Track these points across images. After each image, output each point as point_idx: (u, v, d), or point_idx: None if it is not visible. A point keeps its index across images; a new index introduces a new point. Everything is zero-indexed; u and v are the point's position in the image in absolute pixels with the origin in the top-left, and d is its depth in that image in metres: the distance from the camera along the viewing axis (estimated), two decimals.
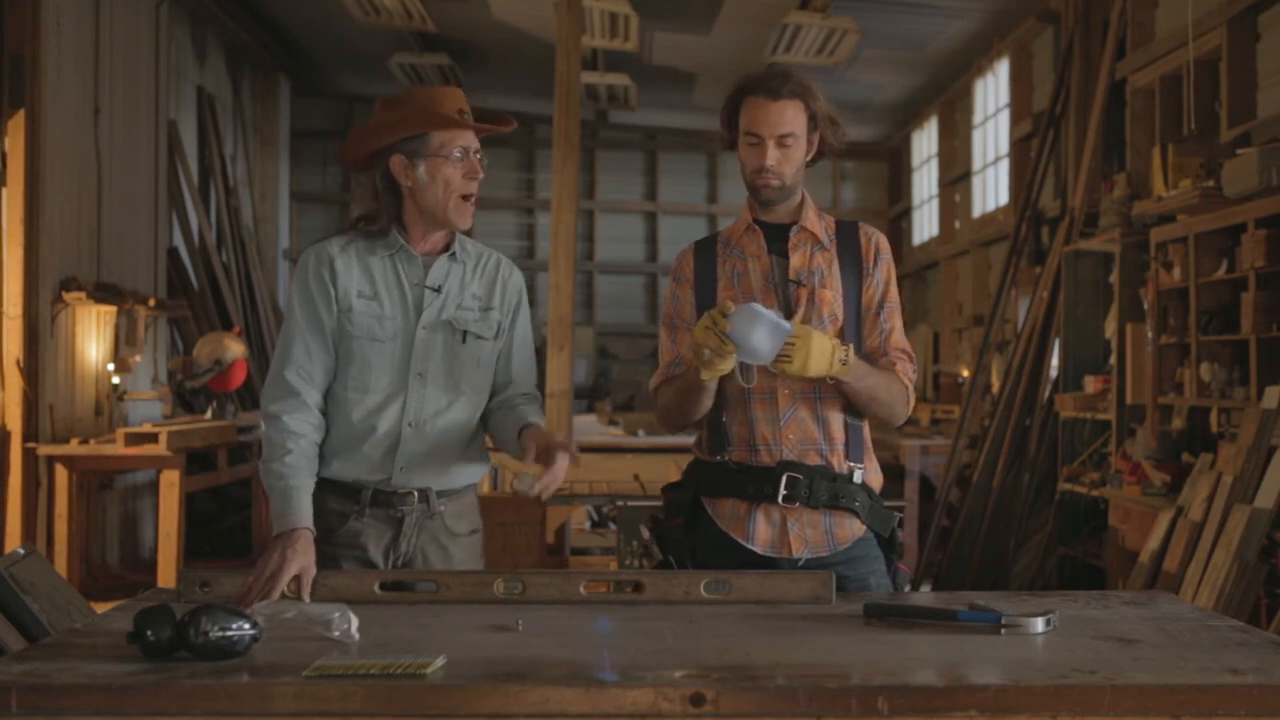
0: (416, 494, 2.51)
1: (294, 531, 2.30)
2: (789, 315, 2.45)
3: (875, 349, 2.50)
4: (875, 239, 2.56)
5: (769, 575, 2.29)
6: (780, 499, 2.42)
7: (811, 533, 2.44)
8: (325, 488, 2.51)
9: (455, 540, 2.57)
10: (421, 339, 2.50)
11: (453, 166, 2.47)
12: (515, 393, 2.63)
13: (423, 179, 2.47)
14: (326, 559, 2.48)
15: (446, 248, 2.57)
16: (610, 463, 6.59)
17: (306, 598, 2.23)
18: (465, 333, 2.53)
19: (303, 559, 2.25)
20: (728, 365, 2.32)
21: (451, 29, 10.03)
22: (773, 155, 2.45)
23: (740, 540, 2.45)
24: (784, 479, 2.42)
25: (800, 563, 2.43)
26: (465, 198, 2.50)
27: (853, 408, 2.48)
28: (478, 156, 2.50)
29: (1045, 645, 1.91)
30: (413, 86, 10.71)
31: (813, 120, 2.48)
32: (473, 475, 2.61)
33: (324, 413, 2.50)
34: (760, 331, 2.23)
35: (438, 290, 2.52)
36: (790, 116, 2.44)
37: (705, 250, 2.58)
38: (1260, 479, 4.93)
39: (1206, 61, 6.50)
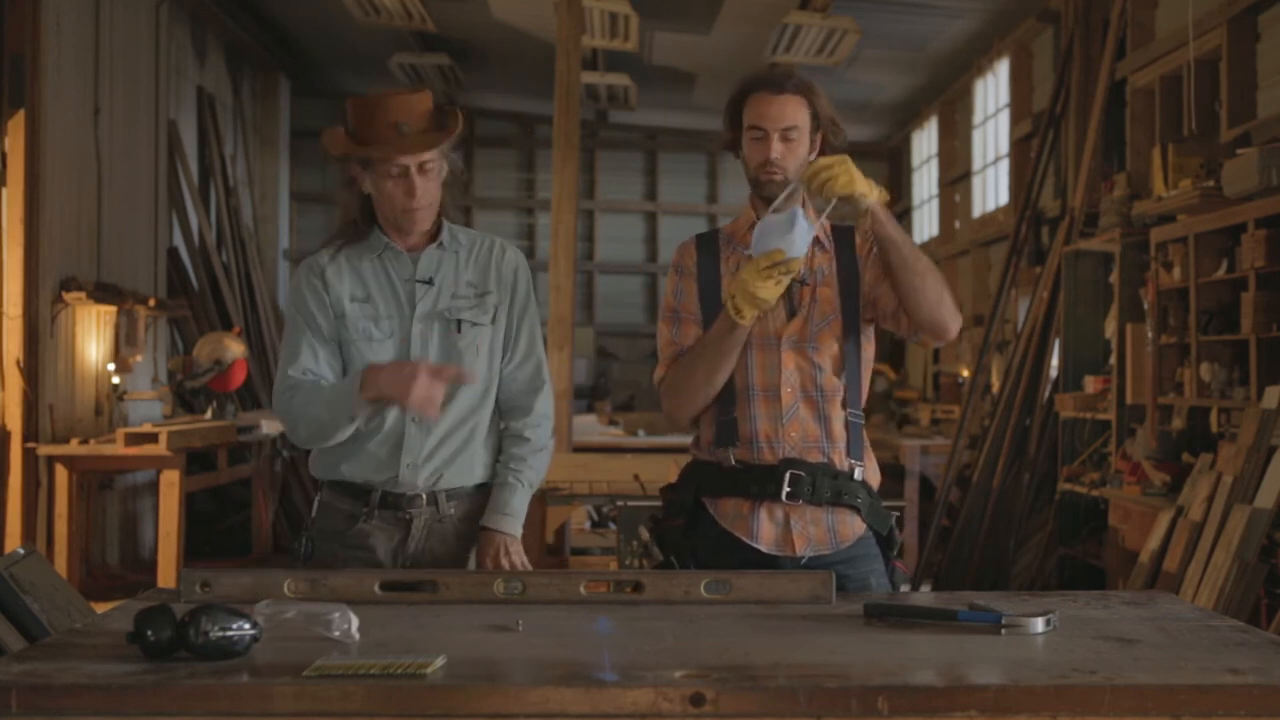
0: (425, 496, 2.51)
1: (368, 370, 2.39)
2: (793, 314, 2.49)
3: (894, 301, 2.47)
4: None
5: (769, 575, 2.29)
6: (784, 496, 2.43)
7: (814, 530, 2.45)
8: (335, 489, 2.53)
9: (465, 542, 2.56)
10: (418, 333, 2.50)
11: (393, 183, 2.45)
12: (523, 425, 2.60)
13: (371, 190, 2.49)
14: (334, 560, 2.49)
15: (434, 238, 2.56)
16: (610, 463, 6.57)
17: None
18: (459, 321, 2.52)
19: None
20: (770, 299, 2.32)
21: (451, 29, 10.02)
22: (777, 148, 2.46)
23: (744, 539, 2.45)
24: (787, 476, 2.43)
25: (803, 560, 2.44)
26: (409, 210, 2.47)
27: (854, 403, 2.48)
28: (424, 172, 2.44)
29: (1045, 645, 1.91)
30: (411, 86, 10.70)
31: (815, 119, 2.51)
32: (482, 474, 2.59)
33: None
34: (794, 232, 2.28)
35: (429, 282, 2.52)
36: (793, 111, 2.47)
37: (707, 245, 2.59)
38: (1260, 479, 4.93)
39: (1206, 61, 6.50)
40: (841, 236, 2.57)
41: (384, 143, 2.42)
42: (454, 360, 2.52)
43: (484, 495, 2.59)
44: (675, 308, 2.57)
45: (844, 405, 2.48)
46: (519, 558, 2.47)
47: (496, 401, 2.61)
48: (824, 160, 2.34)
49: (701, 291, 2.54)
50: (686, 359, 2.49)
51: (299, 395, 2.46)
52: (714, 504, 2.50)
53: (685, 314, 2.55)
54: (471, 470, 2.56)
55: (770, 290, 2.31)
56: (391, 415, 2.49)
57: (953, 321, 2.43)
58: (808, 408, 2.47)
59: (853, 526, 2.47)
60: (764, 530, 2.45)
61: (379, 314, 2.51)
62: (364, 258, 2.53)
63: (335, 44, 11.14)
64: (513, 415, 2.60)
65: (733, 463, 2.47)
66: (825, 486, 2.44)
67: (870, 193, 2.34)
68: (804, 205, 2.43)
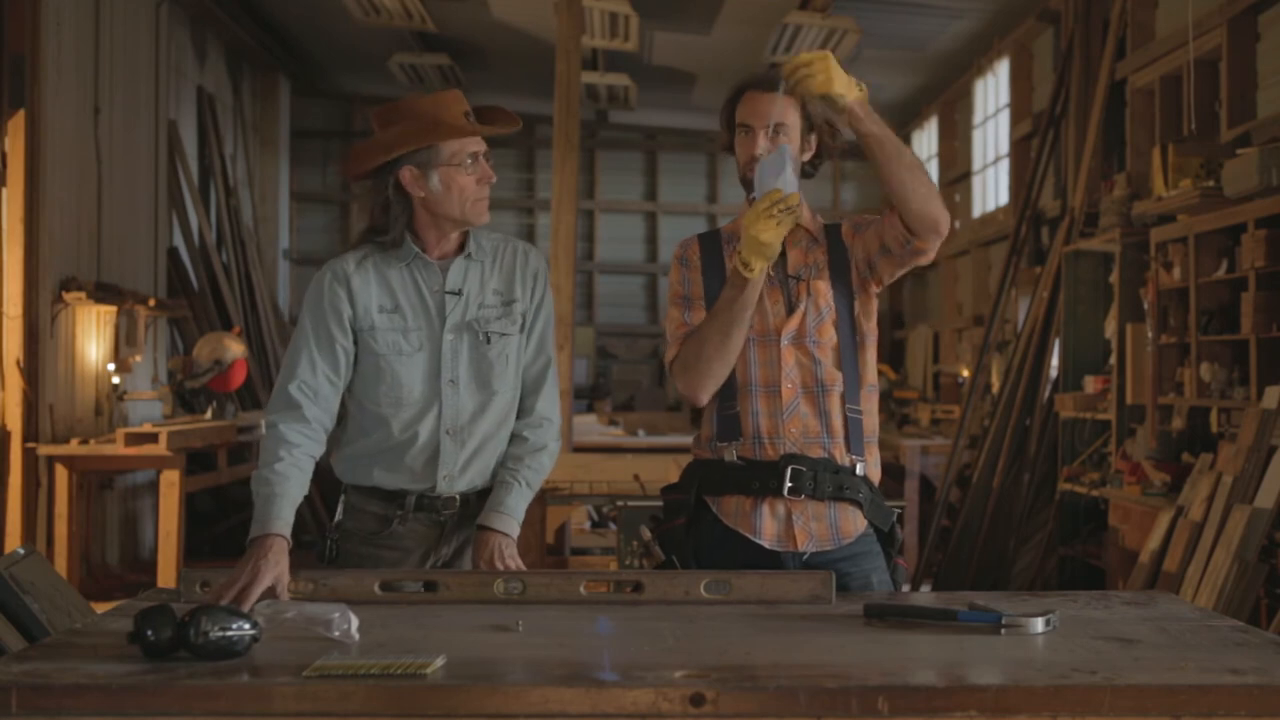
0: (459, 498, 2.52)
1: (268, 538, 2.26)
2: (791, 309, 2.50)
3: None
4: (853, 219, 2.59)
5: (769, 575, 2.29)
6: (785, 491, 2.43)
7: (816, 525, 2.45)
8: (364, 493, 2.53)
9: None
10: (449, 344, 2.50)
11: (466, 174, 2.45)
12: (522, 425, 2.59)
13: (437, 189, 2.46)
14: (366, 560, 2.50)
15: (461, 248, 2.55)
16: (610, 463, 6.57)
17: (285, 598, 2.22)
18: (488, 333, 2.52)
19: (276, 569, 2.21)
20: (774, 241, 2.34)
21: (451, 29, 10.03)
22: (763, 145, 2.46)
23: (748, 535, 2.46)
24: (788, 471, 2.43)
25: (805, 556, 2.44)
26: (481, 199, 2.50)
27: (853, 398, 2.48)
28: (488, 159, 2.49)
29: (1045, 645, 1.91)
30: (410, 91, 10.71)
31: (808, 120, 2.50)
32: None
33: (327, 429, 2.49)
34: (787, 169, 2.33)
35: (458, 293, 2.52)
36: (782, 108, 2.47)
37: (709, 242, 2.62)
38: (1260, 479, 4.93)
39: (1206, 61, 6.50)
40: (831, 231, 2.59)
41: (463, 130, 2.43)
42: (484, 370, 2.52)
43: None
44: (684, 294, 2.57)
45: (844, 400, 2.49)
46: (514, 560, 2.46)
47: None
48: (804, 56, 2.30)
49: (706, 282, 2.55)
50: (698, 332, 2.49)
51: (270, 439, 2.42)
52: (716, 502, 2.50)
53: (694, 298, 2.56)
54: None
55: (773, 232, 2.32)
56: (427, 429, 2.49)
57: (942, 215, 2.40)
58: (808, 403, 2.47)
59: (855, 522, 2.48)
60: (766, 526, 2.45)
61: (408, 325, 2.49)
62: (392, 266, 2.51)
63: (335, 44, 11.14)
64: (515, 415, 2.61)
65: (734, 459, 2.48)
66: (827, 481, 2.44)
67: (849, 91, 2.31)
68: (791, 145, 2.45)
